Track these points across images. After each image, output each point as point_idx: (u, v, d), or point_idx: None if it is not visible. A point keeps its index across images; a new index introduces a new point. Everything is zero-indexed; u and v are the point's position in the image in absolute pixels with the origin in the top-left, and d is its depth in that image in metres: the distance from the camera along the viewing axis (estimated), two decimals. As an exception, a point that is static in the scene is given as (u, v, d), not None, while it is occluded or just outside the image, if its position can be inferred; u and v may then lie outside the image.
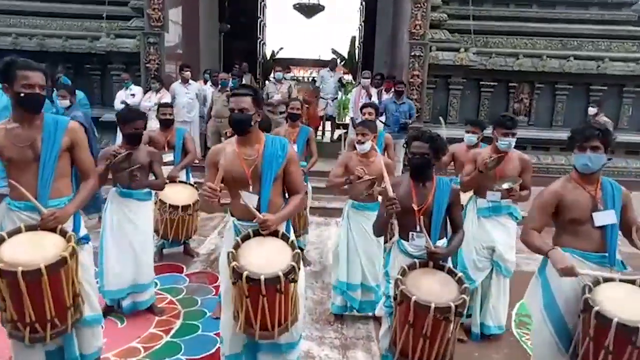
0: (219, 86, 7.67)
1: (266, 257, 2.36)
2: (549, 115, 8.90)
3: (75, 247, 2.34)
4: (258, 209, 2.49)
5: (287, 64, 13.31)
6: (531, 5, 9.25)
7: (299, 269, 2.38)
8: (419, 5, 8.00)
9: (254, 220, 2.44)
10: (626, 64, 8.49)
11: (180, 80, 7.88)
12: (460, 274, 2.50)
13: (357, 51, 15.23)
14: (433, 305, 2.27)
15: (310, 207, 5.10)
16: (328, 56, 16.15)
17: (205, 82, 8.66)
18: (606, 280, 2.37)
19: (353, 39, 16.13)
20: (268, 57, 16.44)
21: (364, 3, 13.29)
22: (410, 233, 2.66)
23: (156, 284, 4.11)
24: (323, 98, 9.63)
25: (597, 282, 2.36)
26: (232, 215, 2.61)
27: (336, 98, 10.07)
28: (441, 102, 8.58)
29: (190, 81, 7.87)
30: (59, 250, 2.29)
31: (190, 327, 3.66)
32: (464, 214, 3.74)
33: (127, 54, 8.36)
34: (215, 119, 7.58)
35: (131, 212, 3.58)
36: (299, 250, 2.45)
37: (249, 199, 2.51)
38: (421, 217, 2.61)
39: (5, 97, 2.52)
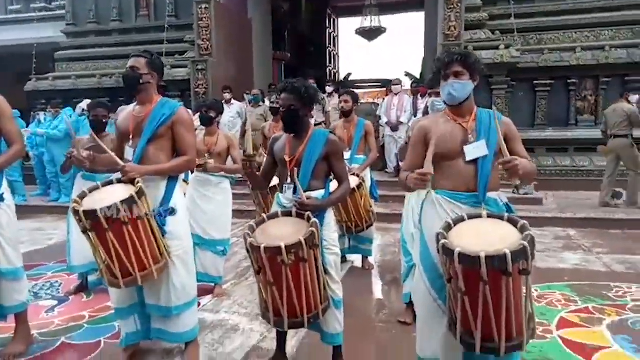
0: (252, 102, 8.03)
1: None
2: (619, 111, 7.84)
3: None
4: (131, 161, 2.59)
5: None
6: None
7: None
8: (452, 7, 7.75)
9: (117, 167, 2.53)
10: None
11: (223, 101, 8.42)
12: (314, 219, 2.30)
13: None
14: (263, 246, 2.12)
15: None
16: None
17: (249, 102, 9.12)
18: (472, 217, 2.03)
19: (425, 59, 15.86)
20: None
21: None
22: (283, 185, 2.55)
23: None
24: (382, 126, 8.41)
25: (461, 219, 2.03)
26: None
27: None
28: (483, 102, 7.94)
29: (233, 101, 8.37)
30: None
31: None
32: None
33: (180, 82, 9.26)
34: (252, 131, 7.87)
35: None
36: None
37: (128, 152, 2.63)
38: (294, 168, 2.50)
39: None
